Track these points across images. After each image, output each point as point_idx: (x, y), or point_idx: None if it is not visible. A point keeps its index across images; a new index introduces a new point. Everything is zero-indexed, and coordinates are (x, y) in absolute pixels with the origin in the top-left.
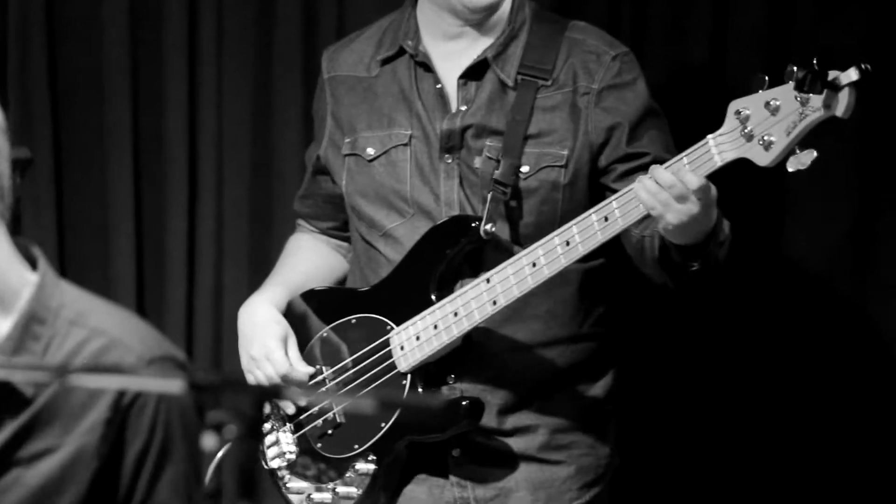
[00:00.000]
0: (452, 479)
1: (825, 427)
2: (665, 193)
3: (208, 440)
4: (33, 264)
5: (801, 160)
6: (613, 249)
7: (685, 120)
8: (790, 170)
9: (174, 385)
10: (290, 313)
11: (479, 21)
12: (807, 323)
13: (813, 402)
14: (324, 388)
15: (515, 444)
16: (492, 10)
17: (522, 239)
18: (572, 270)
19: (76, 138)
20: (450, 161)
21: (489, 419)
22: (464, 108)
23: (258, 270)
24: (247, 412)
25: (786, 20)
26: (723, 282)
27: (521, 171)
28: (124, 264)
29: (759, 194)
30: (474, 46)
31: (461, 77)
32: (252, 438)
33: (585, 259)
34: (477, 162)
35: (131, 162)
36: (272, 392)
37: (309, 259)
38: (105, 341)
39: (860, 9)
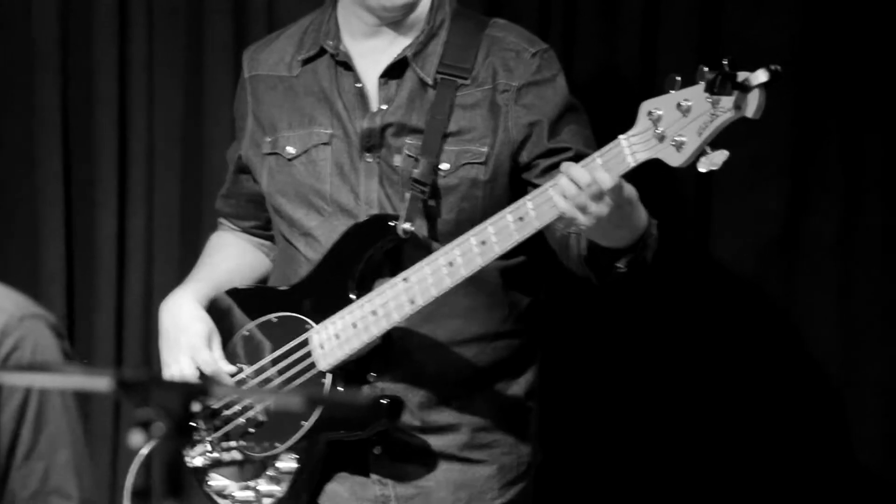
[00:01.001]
0: (373, 476)
1: (743, 421)
2: (582, 195)
3: (136, 437)
4: None
5: (713, 160)
6: (535, 246)
7: (614, 119)
8: (702, 170)
9: (102, 383)
10: (212, 310)
11: (395, 19)
12: (730, 320)
13: (732, 397)
14: (245, 387)
15: (436, 442)
16: (408, 8)
17: (442, 237)
18: (491, 268)
19: (5, 138)
20: (370, 160)
21: (410, 417)
22: (384, 106)
23: (188, 272)
24: (175, 410)
25: (715, 19)
26: (647, 278)
27: (440, 169)
28: (54, 265)
29: (686, 194)
30: (394, 45)
31: (381, 76)
32: (180, 436)
33: (505, 257)
34: (397, 160)
35: (61, 163)
36: (200, 389)
37: (232, 256)
38: None
39: (790, 9)
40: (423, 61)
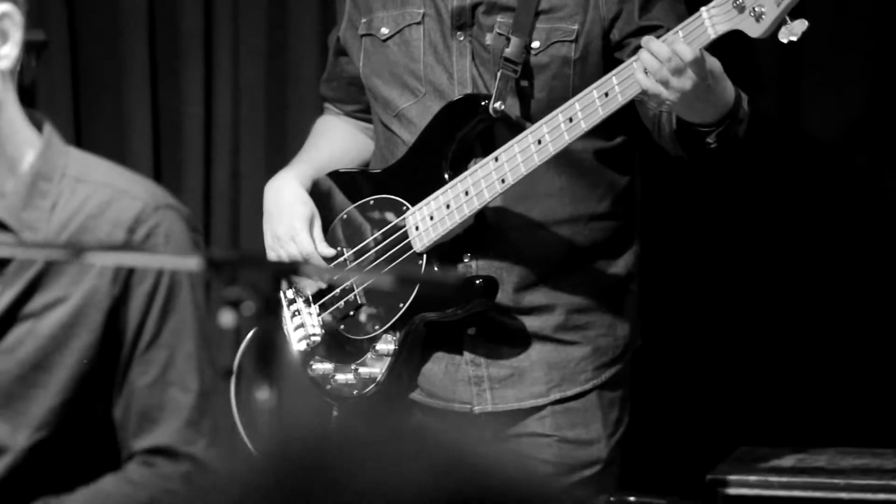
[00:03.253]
0: (467, 356)
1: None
2: (663, 69)
3: (226, 316)
4: (40, 130)
5: (793, 30)
6: (632, 126)
7: None
8: (783, 40)
9: (191, 262)
10: (314, 193)
11: None
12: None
13: (826, 275)
14: (345, 269)
15: (531, 323)
16: None
17: (535, 116)
18: (588, 149)
19: (91, 22)
20: (462, 39)
21: (505, 298)
22: None
23: (275, 155)
24: (264, 289)
25: None
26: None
27: (531, 48)
28: (141, 150)
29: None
30: None
31: None
32: (270, 315)
33: (603, 138)
34: (488, 39)
35: (147, 48)
36: (289, 269)
37: (335, 140)
38: (110, 192)
39: None
40: None
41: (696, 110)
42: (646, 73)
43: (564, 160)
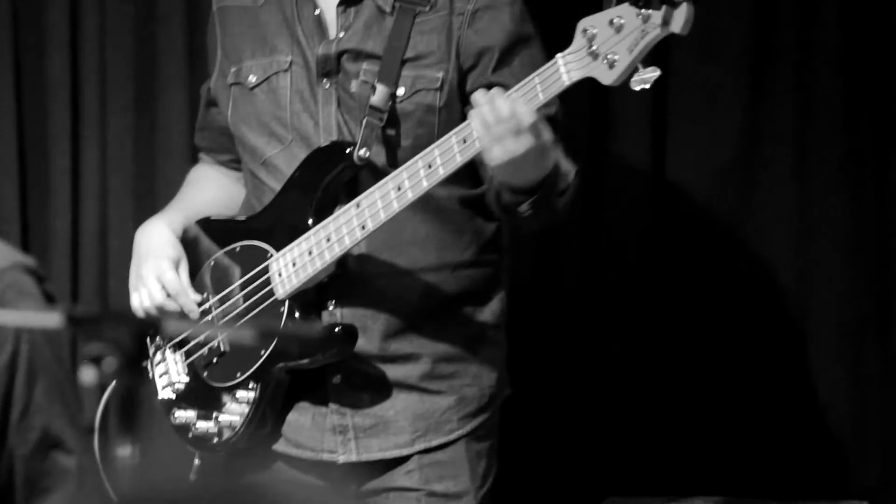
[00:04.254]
0: (332, 406)
1: (701, 344)
2: (500, 127)
3: (87, 373)
4: None
5: (645, 78)
6: None
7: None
8: (634, 88)
9: (52, 318)
10: (184, 239)
11: None
12: (687, 246)
13: (689, 319)
14: (209, 316)
15: (396, 372)
16: None
17: (400, 163)
18: (453, 197)
19: None
20: (328, 86)
21: (371, 346)
22: (341, 33)
23: (143, 204)
24: (126, 344)
25: None
26: (609, 208)
27: (396, 95)
28: (8, 200)
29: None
30: None
31: (340, 3)
32: (132, 370)
33: (469, 186)
34: (353, 86)
35: (13, 96)
36: (151, 324)
37: (207, 189)
38: None
39: None
40: None
41: (518, 175)
42: (482, 125)
43: (430, 207)
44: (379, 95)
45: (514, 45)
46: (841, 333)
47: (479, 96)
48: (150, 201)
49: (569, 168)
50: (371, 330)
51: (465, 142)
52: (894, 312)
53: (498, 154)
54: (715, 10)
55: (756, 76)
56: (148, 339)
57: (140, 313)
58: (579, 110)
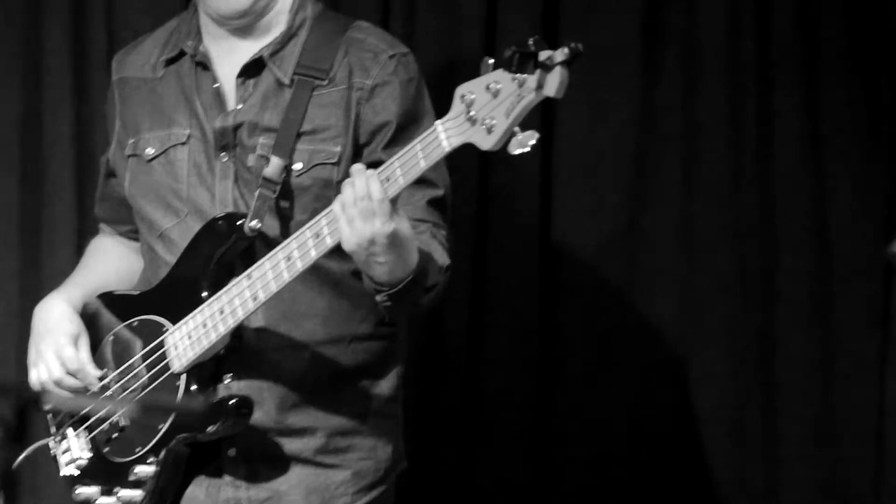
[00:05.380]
0: (227, 478)
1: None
2: (356, 207)
3: None
4: None
5: (523, 142)
6: None
7: None
8: (512, 152)
9: None
10: (84, 314)
11: (239, 26)
12: (574, 308)
13: (577, 379)
14: (109, 391)
15: (292, 445)
16: (252, 15)
17: None
18: (346, 270)
19: None
20: (225, 159)
21: (267, 418)
22: (239, 106)
23: (29, 276)
24: (7, 418)
25: (555, 12)
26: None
27: (293, 169)
28: None
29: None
30: (253, 46)
31: (238, 76)
32: (14, 443)
33: None
34: (250, 160)
35: None
36: (33, 398)
37: (107, 261)
38: None
39: (630, 9)
40: (280, 61)
41: (374, 268)
42: (340, 202)
43: (327, 280)
44: (272, 167)
45: (408, 122)
46: (722, 390)
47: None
48: (36, 274)
49: (441, 261)
50: (267, 402)
51: None
52: (778, 379)
53: (348, 236)
54: (604, 73)
55: (643, 139)
56: (50, 417)
57: (38, 388)
58: (468, 175)
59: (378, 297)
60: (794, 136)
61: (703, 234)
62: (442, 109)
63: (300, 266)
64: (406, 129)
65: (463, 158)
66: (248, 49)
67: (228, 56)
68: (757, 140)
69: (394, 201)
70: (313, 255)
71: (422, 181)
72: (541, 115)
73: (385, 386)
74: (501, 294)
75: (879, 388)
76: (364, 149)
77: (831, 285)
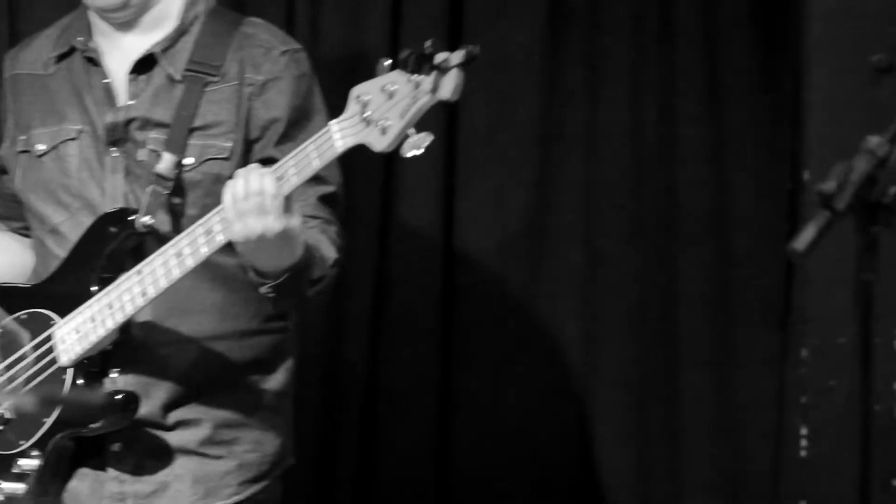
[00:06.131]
0: (111, 472)
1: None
2: (247, 202)
3: None
4: None
5: (417, 144)
6: None
7: None
8: (406, 154)
9: None
10: None
11: (120, 20)
12: (475, 313)
13: (479, 385)
14: None
15: (177, 438)
16: (127, 7)
17: None
18: (237, 265)
19: None
20: (116, 154)
21: (153, 413)
22: (130, 102)
23: None
24: None
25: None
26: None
27: (184, 164)
28: None
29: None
30: (145, 42)
31: (130, 72)
32: None
33: None
34: (141, 155)
35: None
36: None
37: (1, 257)
38: None
39: (535, 10)
40: (172, 58)
41: (260, 257)
42: (231, 196)
43: (217, 275)
44: (165, 163)
45: (300, 118)
46: (624, 387)
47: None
48: None
49: (329, 255)
50: (154, 397)
51: None
52: (679, 377)
53: (238, 230)
54: (507, 73)
55: (545, 143)
56: None
57: None
58: (373, 177)
59: (262, 289)
60: (696, 136)
61: (605, 233)
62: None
63: (191, 263)
64: (297, 125)
65: (367, 159)
66: (138, 45)
67: (118, 52)
68: (659, 141)
69: (288, 199)
70: (204, 251)
71: (314, 178)
72: (443, 116)
73: (275, 381)
74: (404, 294)
75: (779, 384)
76: (255, 144)
77: (732, 282)
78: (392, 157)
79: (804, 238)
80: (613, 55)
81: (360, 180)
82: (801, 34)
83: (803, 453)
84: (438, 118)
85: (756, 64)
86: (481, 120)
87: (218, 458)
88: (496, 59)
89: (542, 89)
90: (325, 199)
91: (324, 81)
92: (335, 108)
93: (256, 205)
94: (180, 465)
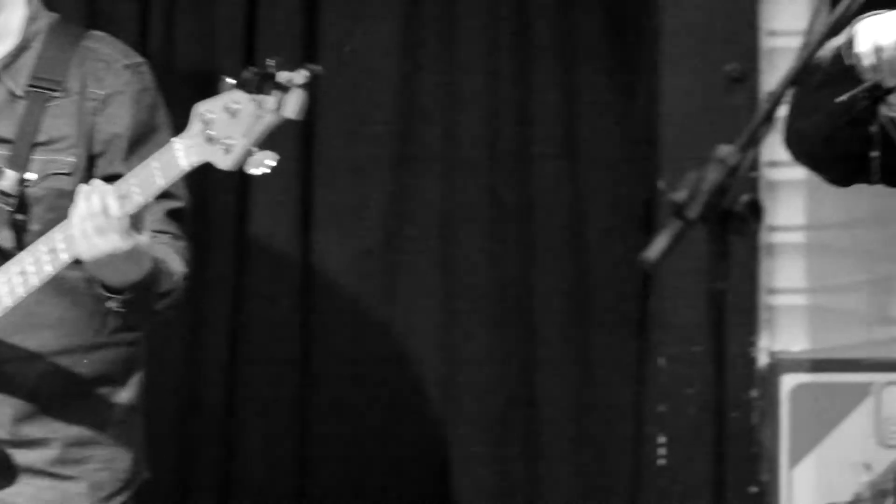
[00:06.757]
0: None
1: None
2: (90, 222)
3: None
4: None
5: (262, 162)
6: None
7: None
8: (250, 172)
9: None
10: None
11: None
12: (332, 327)
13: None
14: None
15: (26, 457)
16: None
17: None
18: (83, 278)
19: None
20: None
21: (0, 431)
22: None
23: None
24: None
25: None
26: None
27: (27, 180)
28: None
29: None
30: None
31: None
32: None
33: None
34: None
35: None
36: None
37: None
38: None
39: (392, 14)
40: (13, 74)
41: (105, 274)
42: (77, 214)
43: (62, 289)
44: (8, 180)
45: (143, 133)
46: (484, 399)
47: (83, 186)
48: None
49: (177, 270)
50: (0, 414)
51: None
52: (537, 391)
53: (83, 249)
54: (363, 87)
55: (401, 157)
56: None
57: None
58: (228, 189)
59: (110, 304)
60: (552, 149)
61: (462, 245)
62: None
63: (36, 281)
64: (141, 140)
65: (222, 172)
66: None
67: None
68: (515, 154)
69: (135, 217)
70: (49, 270)
71: (162, 193)
72: (299, 130)
73: (125, 395)
74: (261, 310)
75: (637, 394)
76: (99, 160)
77: (589, 291)
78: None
79: (656, 247)
80: (471, 70)
81: (216, 194)
82: (655, 46)
83: (661, 461)
84: (293, 129)
85: (611, 76)
86: (336, 131)
87: (69, 478)
88: (352, 73)
89: (398, 104)
90: (172, 215)
91: (178, 95)
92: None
93: (100, 224)
94: (30, 486)
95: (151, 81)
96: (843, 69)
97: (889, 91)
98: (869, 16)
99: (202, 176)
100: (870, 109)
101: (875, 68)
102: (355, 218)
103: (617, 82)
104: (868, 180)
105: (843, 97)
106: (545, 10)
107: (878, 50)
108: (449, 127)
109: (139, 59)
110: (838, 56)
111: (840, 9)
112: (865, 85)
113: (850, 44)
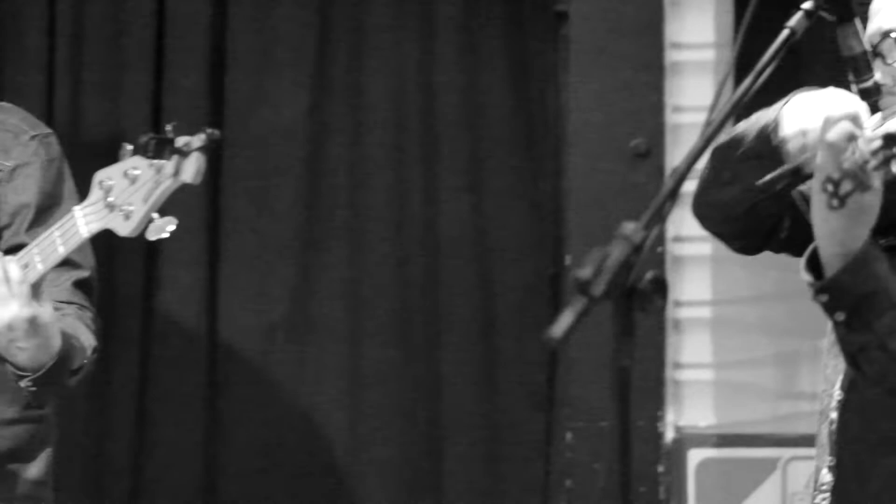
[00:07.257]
0: None
1: None
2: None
3: None
4: None
5: (161, 228)
6: None
7: None
8: (151, 238)
9: None
10: None
11: None
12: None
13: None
14: None
15: None
16: None
17: None
18: None
19: None
20: None
21: None
22: None
23: None
24: None
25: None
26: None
27: None
28: None
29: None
30: None
31: None
32: None
33: None
34: None
35: None
36: None
37: None
38: None
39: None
40: None
41: (13, 353)
42: None
43: None
44: None
45: (49, 203)
46: (391, 473)
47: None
48: None
49: (88, 344)
50: None
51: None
52: (445, 463)
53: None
54: (264, 159)
55: (308, 231)
56: None
57: None
58: (133, 259)
59: (21, 383)
60: (459, 225)
61: (368, 328)
62: None
63: None
64: (47, 210)
65: (128, 243)
66: None
67: None
68: (422, 231)
69: (36, 286)
70: None
71: (67, 263)
72: (205, 198)
73: (34, 470)
74: (166, 383)
75: (544, 470)
76: (5, 231)
77: (497, 367)
78: (155, 242)
79: (561, 324)
80: (380, 145)
81: (121, 262)
82: (560, 124)
83: None
84: (200, 197)
85: (518, 152)
86: (244, 199)
87: None
88: (257, 140)
89: (304, 176)
90: (79, 285)
91: (86, 165)
92: None
93: (1, 293)
94: None
95: (59, 152)
96: (769, 147)
97: (808, 176)
98: (803, 91)
99: (107, 243)
100: (791, 186)
101: (799, 151)
102: (261, 293)
103: (524, 158)
104: (776, 247)
105: (764, 179)
106: (451, 87)
107: (804, 133)
108: (356, 201)
109: (46, 129)
110: (765, 133)
111: (745, 86)
112: (787, 167)
113: (776, 124)
